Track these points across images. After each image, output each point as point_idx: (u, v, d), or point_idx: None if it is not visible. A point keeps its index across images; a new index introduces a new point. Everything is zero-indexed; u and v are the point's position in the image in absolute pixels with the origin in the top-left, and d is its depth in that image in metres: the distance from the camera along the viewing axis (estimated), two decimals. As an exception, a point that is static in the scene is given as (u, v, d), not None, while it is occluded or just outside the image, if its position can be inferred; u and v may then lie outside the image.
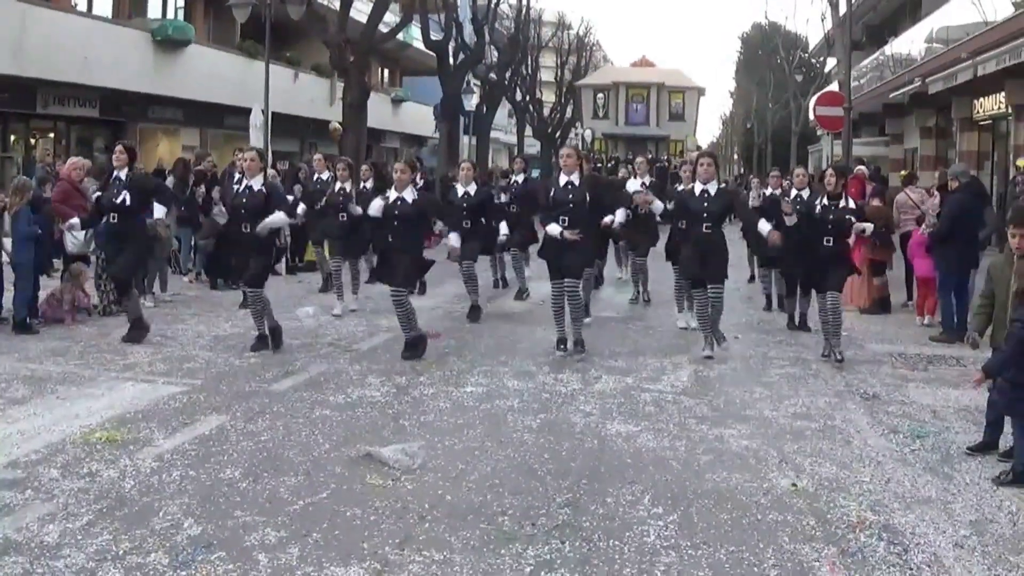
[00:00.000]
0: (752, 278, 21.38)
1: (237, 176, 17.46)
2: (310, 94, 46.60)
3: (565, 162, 13.85)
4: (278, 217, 13.76)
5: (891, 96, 35.51)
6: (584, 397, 11.35)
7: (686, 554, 6.79)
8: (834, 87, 40.71)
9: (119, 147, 14.47)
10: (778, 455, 9.17)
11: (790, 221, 13.71)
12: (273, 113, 32.13)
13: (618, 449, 9.35)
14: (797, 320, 16.25)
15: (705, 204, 13.50)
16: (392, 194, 13.43)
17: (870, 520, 7.48)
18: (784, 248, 14.08)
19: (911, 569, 6.60)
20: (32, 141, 34.41)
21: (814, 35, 71.00)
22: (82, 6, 36.35)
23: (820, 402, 11.13)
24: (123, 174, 14.06)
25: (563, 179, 13.62)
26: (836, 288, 13.53)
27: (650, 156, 59.96)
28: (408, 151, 52.29)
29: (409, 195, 13.36)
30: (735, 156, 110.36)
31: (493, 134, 58.06)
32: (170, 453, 8.90)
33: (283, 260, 20.46)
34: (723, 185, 14.54)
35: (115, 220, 14.02)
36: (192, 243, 21.03)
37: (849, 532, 7.24)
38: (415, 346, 13.22)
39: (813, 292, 14.60)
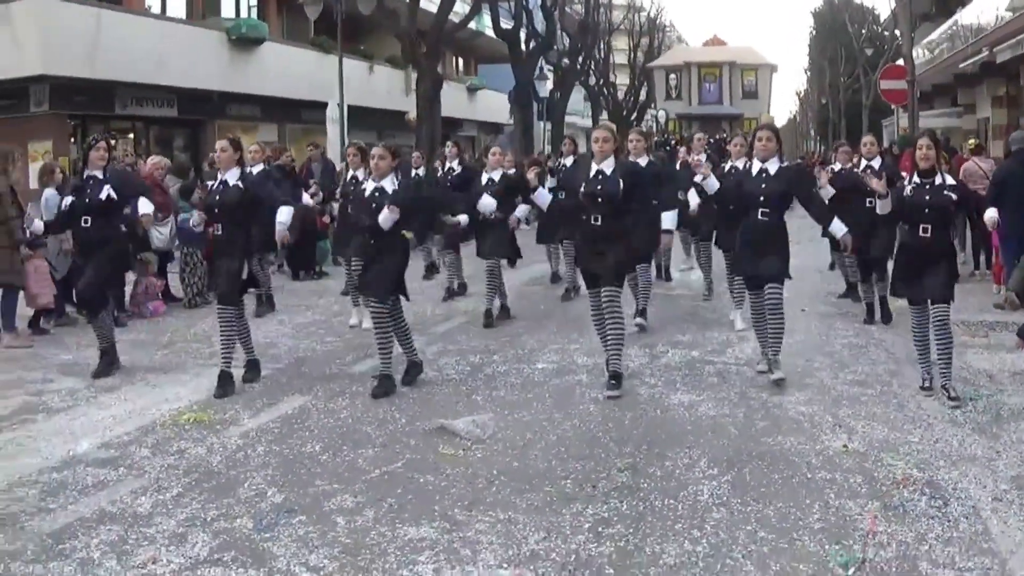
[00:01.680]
0: (832, 265, 19.45)
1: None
2: (386, 86, 47.06)
3: (601, 147, 11.21)
4: (283, 214, 11.90)
5: (961, 66, 35.28)
6: (650, 371, 11.78)
7: (736, 510, 7.22)
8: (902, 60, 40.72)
9: (101, 144, 12.55)
10: (833, 419, 9.55)
11: (883, 208, 10.94)
12: (349, 106, 32.73)
13: (679, 417, 9.79)
14: (877, 312, 14.52)
15: (763, 186, 11.10)
16: (370, 184, 11.46)
17: (915, 477, 7.84)
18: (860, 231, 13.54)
19: (949, 521, 6.95)
20: (112, 142, 35.11)
21: (884, 8, 70.58)
22: (156, 8, 36.98)
23: (879, 370, 11.43)
24: (98, 173, 12.23)
25: (593, 168, 11.23)
26: (943, 297, 10.38)
27: (720, 136, 60.02)
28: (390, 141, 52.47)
29: (389, 185, 11.25)
30: (811, 132, 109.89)
31: (569, 119, 58.27)
32: (255, 431, 9.49)
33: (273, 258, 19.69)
34: (785, 163, 11.79)
35: (87, 224, 12.10)
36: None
37: (894, 488, 7.61)
38: (416, 368, 11.54)
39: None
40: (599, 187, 10.96)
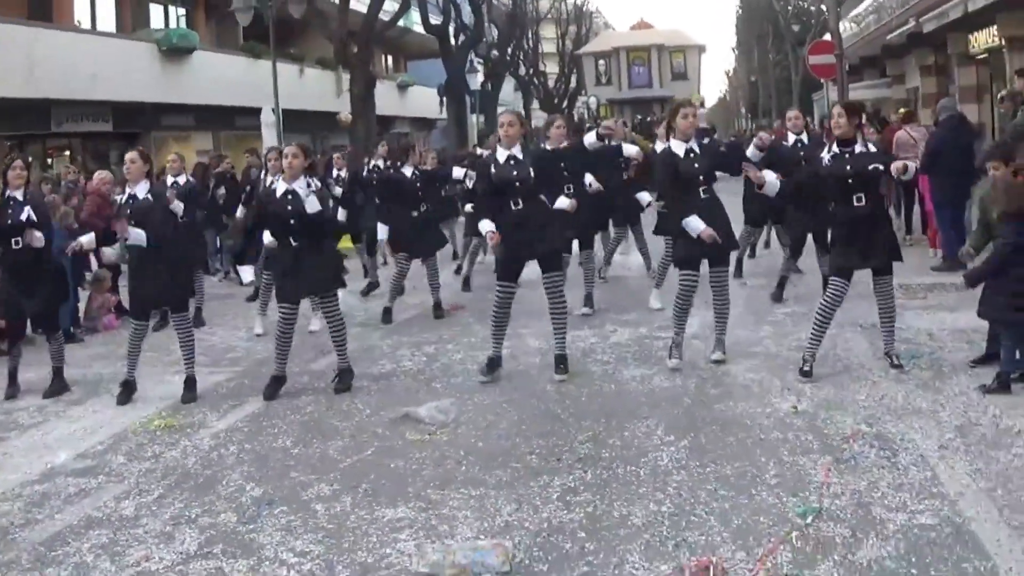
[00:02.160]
0: (768, 243, 19.92)
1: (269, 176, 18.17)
2: (317, 88, 47.18)
3: (507, 132, 11.12)
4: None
5: (889, 38, 35.69)
6: (601, 349, 12.10)
7: (695, 472, 7.58)
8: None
9: (19, 163, 12.10)
10: (781, 384, 9.95)
11: (770, 189, 10.77)
12: (283, 110, 32.86)
13: (633, 390, 10.16)
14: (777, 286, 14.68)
15: (696, 165, 10.85)
16: (280, 186, 11.14)
17: (863, 431, 8.25)
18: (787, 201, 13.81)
19: (899, 469, 7.35)
20: (49, 160, 35.11)
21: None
22: (86, 23, 37.04)
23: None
24: (18, 194, 11.83)
25: (502, 154, 11.10)
26: (886, 268, 10.38)
27: (651, 117, 60.48)
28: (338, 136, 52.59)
29: (301, 188, 10.93)
30: (742, 110, 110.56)
31: (500, 109, 58.71)
32: (225, 431, 9.75)
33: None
34: (707, 140, 11.67)
35: (18, 245, 11.71)
36: (218, 243, 21.82)
37: (844, 443, 8.00)
38: (350, 373, 11.37)
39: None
40: (514, 172, 10.91)
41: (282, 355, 11.08)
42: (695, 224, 10.62)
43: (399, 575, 6.16)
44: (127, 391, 11.37)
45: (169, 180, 15.57)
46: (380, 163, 17.72)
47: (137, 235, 10.97)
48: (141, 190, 11.41)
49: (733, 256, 12.98)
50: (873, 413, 8.78)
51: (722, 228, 10.80)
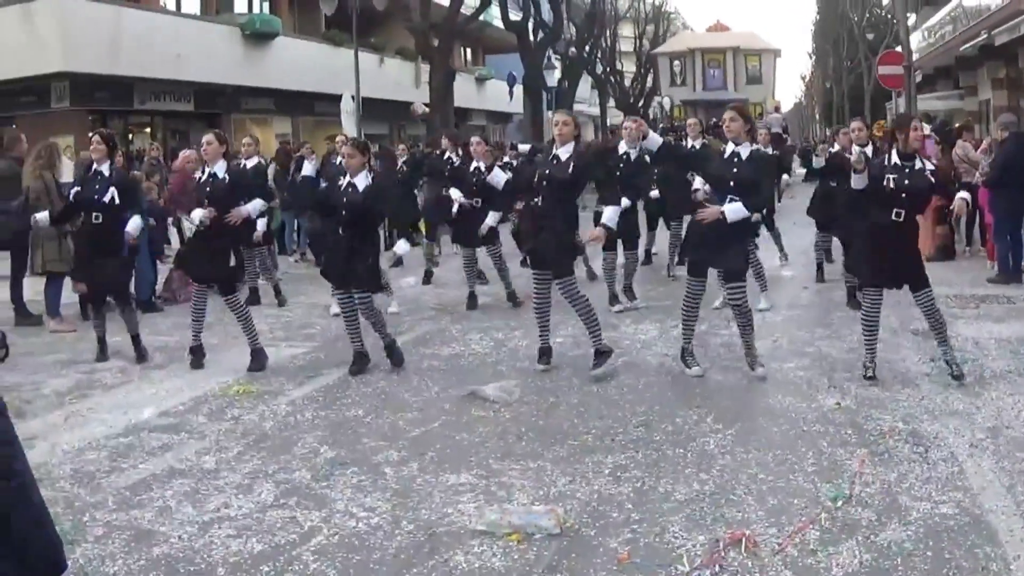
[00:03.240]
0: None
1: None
2: (396, 78, 47.77)
3: (560, 131, 11.13)
4: (254, 205, 12.72)
5: (961, 49, 35.74)
6: (661, 343, 12.60)
7: (739, 457, 8.10)
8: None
9: (96, 136, 12.50)
10: (828, 382, 10.41)
11: (858, 183, 10.39)
12: (362, 98, 33.44)
13: (688, 382, 10.65)
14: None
15: (735, 170, 10.49)
16: (343, 179, 11.61)
17: (900, 429, 8.71)
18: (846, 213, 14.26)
19: (928, 463, 7.81)
20: (129, 136, 35.88)
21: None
22: (171, 4, 37.86)
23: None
24: (105, 168, 12.25)
25: (553, 152, 11.27)
26: (924, 282, 10.28)
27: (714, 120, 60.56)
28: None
29: (362, 182, 11.41)
30: (816, 116, 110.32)
31: (576, 107, 58.92)
32: (301, 399, 10.38)
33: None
34: (756, 147, 11.10)
35: (98, 220, 12.20)
36: (296, 224, 22.45)
37: (880, 438, 8.47)
38: (396, 348, 11.73)
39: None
40: (548, 171, 11.01)
41: (353, 333, 11.51)
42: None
43: (459, 532, 6.72)
44: (196, 356, 12.03)
45: (241, 163, 16.04)
46: (454, 156, 18.04)
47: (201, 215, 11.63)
48: (220, 169, 12.02)
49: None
50: (911, 412, 9.23)
51: (735, 245, 10.63)
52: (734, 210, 10.31)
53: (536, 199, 11.16)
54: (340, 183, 11.55)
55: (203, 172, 12.27)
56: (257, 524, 6.98)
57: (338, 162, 16.01)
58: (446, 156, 17.32)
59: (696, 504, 7.09)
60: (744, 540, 6.34)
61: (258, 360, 11.82)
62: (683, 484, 7.52)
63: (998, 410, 9.26)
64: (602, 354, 11.11)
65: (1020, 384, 10.09)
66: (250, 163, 16.69)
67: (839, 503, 7.01)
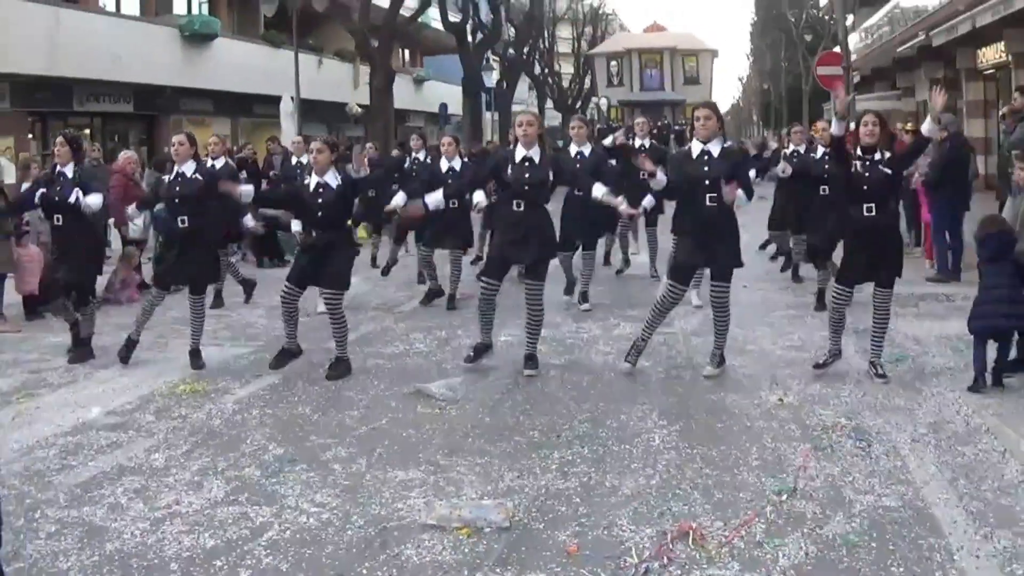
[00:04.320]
0: (764, 244, 20.17)
1: (295, 162, 18.70)
2: (335, 79, 47.79)
3: (526, 132, 11.00)
4: (247, 187, 12.93)
5: (899, 50, 35.99)
6: (603, 341, 12.71)
7: (684, 452, 8.20)
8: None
9: (60, 139, 12.61)
10: (771, 379, 10.55)
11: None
12: (301, 99, 33.46)
13: (632, 379, 10.76)
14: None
15: (706, 168, 10.52)
16: (312, 179, 11.49)
17: (843, 424, 8.85)
18: (802, 209, 14.80)
19: (871, 458, 7.96)
20: (68, 136, 35.66)
21: (825, -7, 71.51)
22: (110, 6, 37.62)
23: (815, 336, 12.29)
24: (68, 170, 12.30)
25: (519, 153, 11.06)
26: (888, 282, 10.48)
27: (661, 121, 60.86)
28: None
29: (332, 180, 11.33)
30: (754, 117, 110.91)
31: (515, 107, 59.10)
32: (248, 398, 10.39)
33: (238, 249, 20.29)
34: (728, 144, 11.22)
35: (59, 222, 12.30)
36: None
37: (824, 433, 8.61)
38: (344, 364, 11.43)
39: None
40: (527, 174, 10.91)
41: (291, 330, 11.42)
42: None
43: (410, 526, 6.78)
44: (128, 348, 11.99)
45: (208, 163, 15.99)
46: (421, 156, 18.08)
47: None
48: (188, 169, 11.98)
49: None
50: (854, 408, 9.38)
51: (726, 243, 10.65)
52: (742, 197, 10.47)
53: (516, 204, 11.02)
54: (308, 183, 11.47)
55: (171, 172, 12.23)
56: (208, 520, 7.01)
57: (295, 162, 16.07)
58: (413, 156, 17.67)
59: (643, 498, 7.19)
60: (691, 533, 6.44)
61: (197, 360, 11.82)
62: (629, 479, 7.61)
63: (939, 405, 9.43)
64: (535, 357, 11.28)
65: (960, 380, 10.22)
66: (218, 163, 16.60)
67: (784, 496, 7.13)
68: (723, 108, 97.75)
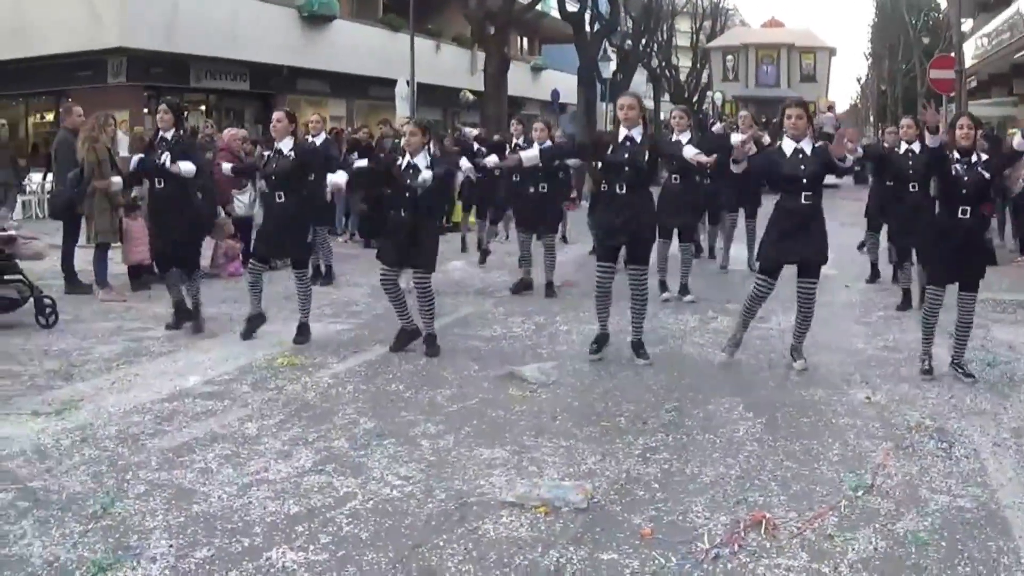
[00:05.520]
0: (862, 245, 19.52)
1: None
2: (451, 64, 48.07)
3: (626, 115, 11.08)
4: (336, 178, 12.89)
5: (1016, 56, 35.62)
6: (699, 333, 12.85)
7: (767, 445, 8.30)
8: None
9: (163, 105, 12.97)
10: (861, 377, 10.58)
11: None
12: (417, 83, 33.69)
13: (722, 372, 10.88)
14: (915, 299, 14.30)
15: (802, 167, 10.60)
16: (403, 160, 11.60)
17: (927, 425, 8.88)
18: (890, 210, 14.60)
19: (951, 459, 7.99)
20: (184, 113, 36.21)
21: (946, -4, 70.52)
22: (230, -15, 38.18)
23: (909, 338, 12.25)
24: (169, 135, 12.66)
25: (621, 134, 11.14)
26: (974, 286, 10.56)
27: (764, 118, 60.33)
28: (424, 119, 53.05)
29: (422, 161, 11.45)
30: (871, 118, 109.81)
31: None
32: (344, 373, 10.64)
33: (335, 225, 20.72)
34: (819, 143, 11.03)
35: (161, 184, 12.68)
36: (345, 206, 22.68)
37: (906, 433, 8.65)
38: (436, 341, 11.73)
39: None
40: (625, 155, 10.94)
41: (401, 310, 11.69)
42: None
43: (489, 502, 6.96)
44: (251, 325, 12.32)
45: (310, 139, 16.26)
46: (520, 141, 17.88)
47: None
48: (286, 146, 12.12)
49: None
50: (940, 410, 9.39)
51: (814, 240, 10.71)
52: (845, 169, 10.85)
53: (618, 187, 11.04)
54: (400, 163, 11.58)
55: (271, 149, 12.43)
56: (295, 488, 7.23)
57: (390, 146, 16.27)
58: (514, 141, 17.60)
59: (721, 487, 7.31)
60: (764, 522, 6.54)
61: (304, 334, 12.09)
62: (710, 467, 7.74)
63: (1025, 411, 9.40)
64: (643, 344, 11.35)
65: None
66: (318, 140, 16.86)
67: (860, 492, 7.20)
68: (841, 108, 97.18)
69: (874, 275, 16.92)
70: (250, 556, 6.03)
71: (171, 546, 6.17)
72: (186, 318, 12.80)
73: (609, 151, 11.10)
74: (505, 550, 6.14)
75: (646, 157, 11.01)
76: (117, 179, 13.95)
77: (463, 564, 5.94)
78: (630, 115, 11.05)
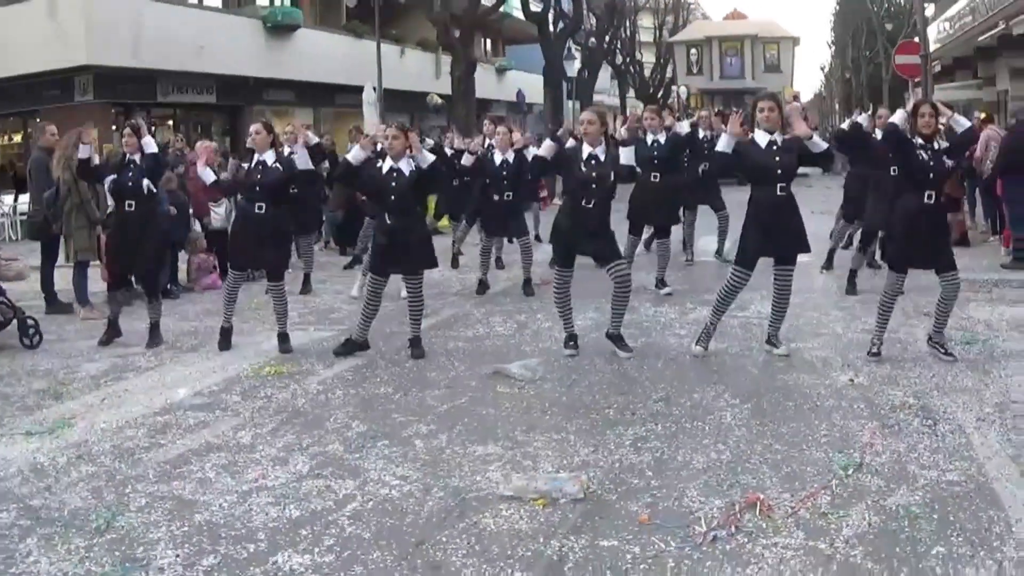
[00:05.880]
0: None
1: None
2: (416, 69, 48.12)
3: (586, 130, 11.19)
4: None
5: (980, 39, 35.74)
6: (679, 324, 12.97)
7: (755, 429, 8.43)
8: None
9: (127, 129, 12.98)
10: (842, 360, 10.74)
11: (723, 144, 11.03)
12: (383, 89, 33.78)
13: (706, 361, 11.00)
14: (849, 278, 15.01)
15: (777, 159, 10.74)
16: (385, 164, 11.65)
17: (911, 403, 9.03)
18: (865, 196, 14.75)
19: (937, 436, 8.13)
20: (152, 128, 36.24)
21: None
22: (193, -2, 38.24)
23: (890, 321, 12.46)
24: (137, 158, 12.65)
25: (585, 151, 11.23)
26: (951, 265, 10.60)
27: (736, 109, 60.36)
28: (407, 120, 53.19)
29: (406, 166, 11.52)
30: (836, 107, 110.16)
31: (596, 97, 59.19)
32: (331, 378, 10.73)
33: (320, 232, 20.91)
34: (787, 135, 11.06)
35: (131, 207, 12.63)
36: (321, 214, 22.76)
37: (891, 412, 8.80)
38: (421, 343, 11.87)
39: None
40: (593, 172, 11.10)
41: (366, 320, 11.76)
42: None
43: (488, 497, 7.06)
44: (226, 336, 12.41)
45: (285, 150, 16.34)
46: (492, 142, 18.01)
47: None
48: (269, 158, 12.25)
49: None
50: (923, 388, 9.54)
51: (792, 230, 10.89)
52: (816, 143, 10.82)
53: (584, 201, 11.15)
54: (380, 167, 11.63)
55: (251, 161, 12.48)
56: (294, 493, 7.33)
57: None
58: (487, 142, 17.52)
59: (713, 472, 7.43)
60: (759, 503, 6.67)
61: (286, 343, 12.18)
62: (701, 454, 7.86)
63: (1006, 387, 9.56)
64: (620, 339, 11.45)
65: (1039, 363, 10.35)
66: (298, 150, 16.89)
67: (850, 471, 7.33)
68: (806, 98, 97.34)
69: (829, 262, 17.02)
70: (256, 561, 6.12)
71: (177, 556, 6.26)
72: (115, 335, 12.98)
73: (575, 168, 11.23)
74: (507, 542, 6.26)
75: (609, 173, 11.14)
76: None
77: (467, 558, 6.06)
78: (590, 130, 11.16)
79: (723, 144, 10.97)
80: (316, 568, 6.00)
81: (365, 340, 11.87)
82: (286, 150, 13.75)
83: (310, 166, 12.70)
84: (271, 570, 6.00)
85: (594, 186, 11.11)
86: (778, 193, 10.80)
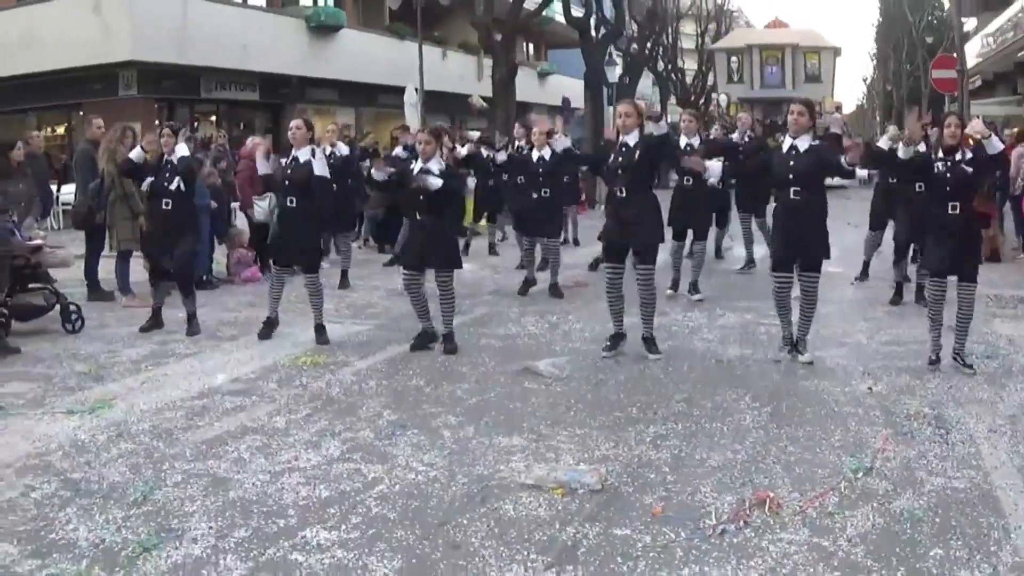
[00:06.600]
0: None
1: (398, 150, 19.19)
2: (458, 71, 48.29)
3: (624, 122, 11.44)
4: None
5: (1020, 55, 35.69)
6: (707, 329, 13.21)
7: (771, 432, 8.69)
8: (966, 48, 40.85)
9: (166, 130, 13.28)
10: (863, 369, 10.93)
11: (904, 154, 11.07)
12: (425, 91, 34.01)
13: (730, 365, 11.24)
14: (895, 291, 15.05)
15: (791, 163, 10.96)
16: (417, 165, 12.06)
17: (925, 413, 9.25)
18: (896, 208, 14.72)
19: (947, 444, 8.36)
20: (195, 124, 36.59)
21: (948, -5, 70.39)
22: (238, -3, 38.56)
23: (913, 333, 12.56)
24: (174, 158, 12.98)
25: (620, 140, 11.56)
26: (972, 276, 10.78)
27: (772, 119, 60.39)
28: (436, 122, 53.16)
29: (435, 166, 11.95)
30: (876, 118, 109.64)
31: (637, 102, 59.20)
32: (365, 370, 11.07)
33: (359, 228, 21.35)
34: (815, 142, 11.30)
35: (168, 206, 12.93)
36: (360, 213, 23.01)
37: (905, 420, 9.02)
38: (454, 339, 12.12)
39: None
40: (619, 159, 11.34)
41: (422, 313, 12.10)
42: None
43: (509, 485, 7.36)
44: (268, 327, 12.77)
45: (327, 149, 16.63)
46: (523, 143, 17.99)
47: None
48: (303, 154, 12.55)
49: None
50: (939, 399, 9.75)
51: (809, 235, 11.00)
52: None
53: (619, 191, 11.45)
54: (412, 168, 11.97)
55: (287, 156, 12.81)
56: (324, 474, 7.65)
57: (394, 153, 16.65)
58: (518, 144, 17.70)
59: (728, 470, 7.70)
60: (768, 501, 6.93)
61: (322, 334, 12.50)
62: (717, 453, 8.13)
63: (1021, 401, 9.74)
64: (653, 340, 11.72)
65: (1056, 377, 10.56)
66: (342, 149, 17.36)
67: (860, 474, 7.58)
68: (848, 108, 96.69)
69: (864, 274, 17.05)
70: (286, 535, 6.44)
71: (210, 528, 6.59)
72: (158, 325, 13.35)
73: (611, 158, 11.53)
74: (525, 527, 6.55)
75: (636, 156, 11.27)
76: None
77: (486, 540, 6.36)
78: (627, 122, 11.41)
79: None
80: (342, 543, 6.31)
81: (433, 330, 12.16)
82: (328, 149, 14.00)
83: (326, 174, 12.86)
84: (299, 543, 6.31)
85: (620, 172, 11.36)
86: (791, 197, 11.02)
